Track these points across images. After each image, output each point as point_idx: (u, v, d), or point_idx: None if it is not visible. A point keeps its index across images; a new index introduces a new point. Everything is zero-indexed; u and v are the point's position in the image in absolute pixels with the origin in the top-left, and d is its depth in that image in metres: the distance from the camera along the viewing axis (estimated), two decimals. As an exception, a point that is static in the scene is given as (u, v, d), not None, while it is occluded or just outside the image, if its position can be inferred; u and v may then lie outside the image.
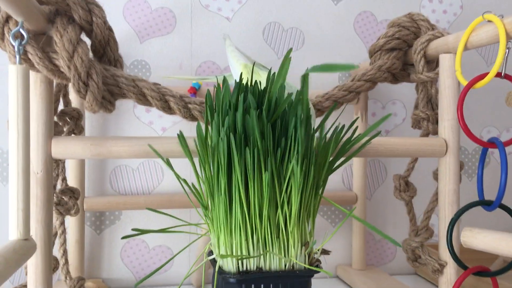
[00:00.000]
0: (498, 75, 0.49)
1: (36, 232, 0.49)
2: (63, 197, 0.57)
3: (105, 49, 0.49)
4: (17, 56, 0.42)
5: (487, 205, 0.50)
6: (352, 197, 0.86)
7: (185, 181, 0.46)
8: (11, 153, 0.41)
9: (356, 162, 0.86)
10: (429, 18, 0.91)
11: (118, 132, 0.81)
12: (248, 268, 0.46)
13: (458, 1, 0.93)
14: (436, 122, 0.61)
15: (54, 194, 0.54)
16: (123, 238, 0.47)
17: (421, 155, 0.58)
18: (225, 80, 0.45)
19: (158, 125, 0.82)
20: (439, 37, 0.60)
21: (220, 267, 0.47)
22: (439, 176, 0.59)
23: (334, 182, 0.89)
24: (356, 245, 0.86)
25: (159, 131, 0.82)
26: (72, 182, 0.76)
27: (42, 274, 0.49)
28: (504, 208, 0.50)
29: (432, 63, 0.62)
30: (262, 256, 0.46)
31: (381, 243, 0.91)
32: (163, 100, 0.50)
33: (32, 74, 0.48)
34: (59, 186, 0.58)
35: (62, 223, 0.55)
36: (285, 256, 0.46)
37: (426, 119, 0.62)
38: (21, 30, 0.42)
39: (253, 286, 0.46)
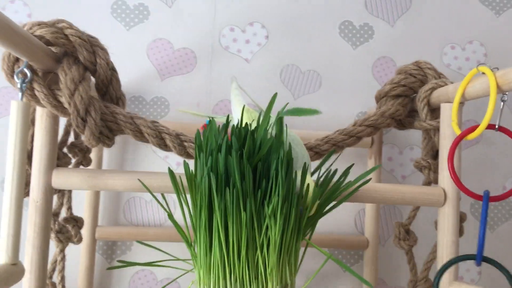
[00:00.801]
0: (492, 127, 0.49)
1: (31, 257, 0.51)
2: (67, 225, 0.60)
3: (108, 88, 0.52)
4: (20, 93, 0.45)
5: (473, 259, 0.48)
6: (364, 242, 0.84)
7: (169, 215, 0.48)
8: (7, 182, 0.44)
9: (368, 206, 0.85)
10: (451, 65, 0.92)
11: (134, 164, 0.84)
12: (225, 307, 0.46)
13: (481, 49, 0.92)
14: (437, 171, 0.60)
15: (56, 223, 0.57)
16: (108, 269, 0.49)
17: (418, 204, 0.57)
18: (211, 122, 0.47)
19: (173, 160, 0.85)
20: (442, 86, 0.60)
21: (198, 305, 0.47)
22: (438, 227, 0.57)
23: (346, 225, 0.88)
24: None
25: (174, 165, 0.85)
26: (86, 211, 0.79)
27: (34, 299, 0.51)
28: (489, 261, 0.48)
29: (436, 111, 0.62)
30: (239, 296, 0.46)
31: (394, 291, 0.88)
32: (159, 137, 0.52)
33: (38, 109, 0.52)
34: (64, 214, 0.61)
35: (62, 250, 0.58)
36: (263, 297, 0.46)
37: (428, 167, 0.61)
38: (25, 69, 0.45)
39: (229, 326, 0.46)
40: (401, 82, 0.65)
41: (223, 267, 0.46)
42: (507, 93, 0.48)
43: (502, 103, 0.48)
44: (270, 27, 0.88)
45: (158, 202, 0.50)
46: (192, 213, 0.48)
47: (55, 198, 0.59)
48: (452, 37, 0.92)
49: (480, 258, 0.47)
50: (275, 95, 0.48)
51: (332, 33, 0.90)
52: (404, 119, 0.67)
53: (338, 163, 0.88)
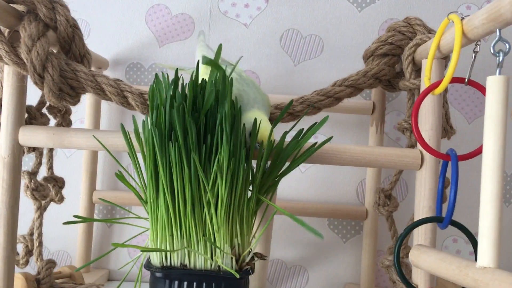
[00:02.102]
0: (461, 81, 0.45)
1: (0, 212, 0.53)
2: (47, 183, 0.61)
3: (71, 46, 0.52)
4: (-26, 48, 0.46)
5: (439, 221, 0.45)
6: (362, 212, 0.81)
7: (118, 175, 0.48)
8: (-39, 135, 0.46)
9: (368, 176, 0.81)
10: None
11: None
12: (172, 263, 0.46)
13: (500, 9, 0.85)
14: (419, 133, 0.56)
15: (33, 181, 0.59)
16: (64, 223, 0.49)
17: (393, 167, 0.54)
18: (157, 76, 0.46)
19: (170, 127, 0.85)
20: (426, 41, 0.55)
21: (149, 261, 0.47)
22: (415, 191, 0.54)
23: (347, 195, 0.85)
24: (365, 264, 0.81)
25: (171, 132, 0.85)
26: (84, 175, 0.81)
27: (4, 252, 0.53)
28: (456, 225, 0.44)
29: (421, 70, 0.58)
30: (187, 254, 0.46)
31: (397, 265, 0.85)
32: (121, 96, 0.52)
33: (6, 67, 0.53)
34: (45, 174, 0.63)
35: (39, 208, 0.59)
36: (211, 255, 0.45)
37: (409, 129, 0.57)
38: (-21, 25, 0.46)
39: (176, 282, 0.45)
40: (388, 40, 0.61)
41: (169, 224, 0.45)
42: (479, 44, 0.44)
43: (473, 55, 0.44)
44: (270, -10, 0.86)
45: (115, 159, 0.50)
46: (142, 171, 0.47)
47: (32, 157, 0.60)
48: (468, -4, 0.85)
49: (447, 221, 0.43)
50: (220, 45, 0.46)
51: (336, -5, 0.86)
52: (394, 79, 0.63)
53: (336, 130, 0.85)
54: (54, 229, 0.84)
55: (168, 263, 0.46)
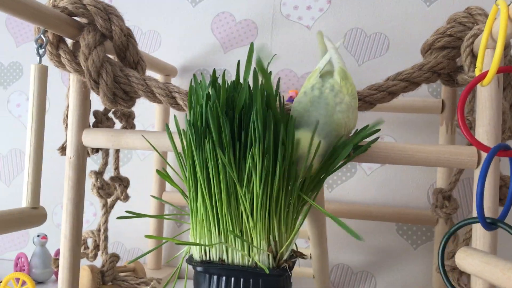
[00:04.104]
0: (508, 69, 0.41)
1: (66, 208, 0.58)
2: (113, 183, 0.66)
3: (125, 53, 0.56)
4: (38, 57, 0.51)
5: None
6: (433, 217, 0.77)
7: (161, 172, 0.50)
8: (27, 136, 0.51)
9: (439, 179, 0.77)
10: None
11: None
12: (211, 258, 0.47)
13: None
14: (479, 129, 0.52)
15: (99, 180, 0.63)
16: (118, 218, 0.52)
17: (445, 165, 0.50)
18: (194, 76, 0.48)
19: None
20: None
21: (191, 256, 0.49)
22: (473, 192, 0.50)
23: (417, 199, 0.81)
24: (437, 272, 0.77)
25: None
26: (154, 176, 0.85)
27: (70, 244, 0.58)
28: (498, 223, 0.40)
29: (481, 61, 0.54)
30: (225, 249, 0.46)
31: (474, 274, 0.79)
32: (170, 97, 0.55)
33: (71, 75, 0.58)
34: (112, 174, 0.67)
35: (105, 205, 0.64)
36: (249, 251, 0.46)
37: (469, 125, 0.53)
38: (42, 36, 0.51)
39: (215, 277, 0.46)
40: (447, 32, 0.58)
41: (207, 219, 0.46)
42: (531, 27, 0.40)
43: (525, 41, 0.41)
44: (332, -9, 0.85)
45: (162, 157, 0.52)
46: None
47: (99, 157, 0.65)
48: (552, -18, 0.78)
49: (482, 220, 0.40)
50: (252, 43, 0.47)
51: (402, -9, 0.83)
52: (455, 73, 0.59)
53: (403, 130, 0.82)
54: (130, 228, 0.90)
55: (208, 258, 0.47)
